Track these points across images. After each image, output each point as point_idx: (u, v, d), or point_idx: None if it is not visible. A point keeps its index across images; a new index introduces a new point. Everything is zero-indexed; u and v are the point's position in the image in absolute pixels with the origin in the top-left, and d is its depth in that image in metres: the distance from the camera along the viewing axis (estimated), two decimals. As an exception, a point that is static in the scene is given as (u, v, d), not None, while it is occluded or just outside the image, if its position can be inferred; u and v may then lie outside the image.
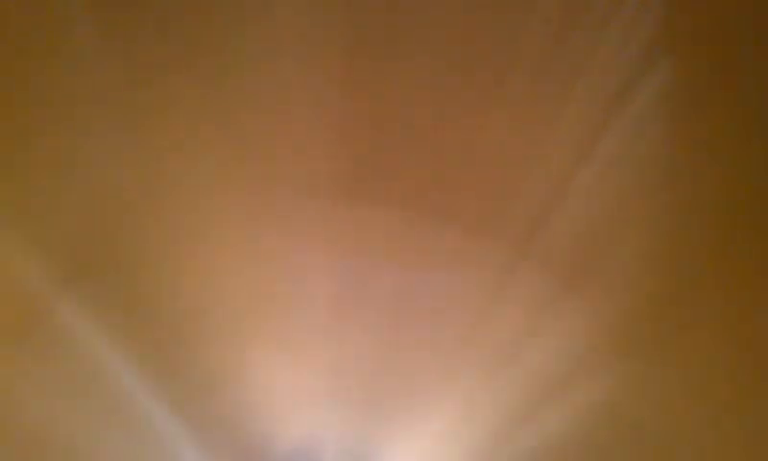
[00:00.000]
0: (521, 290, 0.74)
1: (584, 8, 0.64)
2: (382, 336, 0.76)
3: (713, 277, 0.72)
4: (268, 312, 0.76)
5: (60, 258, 0.72)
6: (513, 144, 0.70)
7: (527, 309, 0.74)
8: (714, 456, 0.74)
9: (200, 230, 0.74)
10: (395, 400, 0.78)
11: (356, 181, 0.73)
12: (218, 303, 0.75)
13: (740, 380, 0.74)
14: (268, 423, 0.78)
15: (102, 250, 0.73)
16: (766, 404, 0.73)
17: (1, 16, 0.64)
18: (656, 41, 0.64)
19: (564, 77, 0.67)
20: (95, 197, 0.72)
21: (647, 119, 0.67)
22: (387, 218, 0.73)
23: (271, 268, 0.75)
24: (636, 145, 0.69)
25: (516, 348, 0.75)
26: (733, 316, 0.73)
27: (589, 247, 0.73)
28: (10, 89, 0.67)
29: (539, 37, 0.65)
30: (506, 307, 0.74)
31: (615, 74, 0.66)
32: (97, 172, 0.71)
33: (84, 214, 0.72)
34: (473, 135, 0.70)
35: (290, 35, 0.67)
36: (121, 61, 0.67)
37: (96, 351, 0.73)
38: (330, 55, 0.68)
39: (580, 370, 0.75)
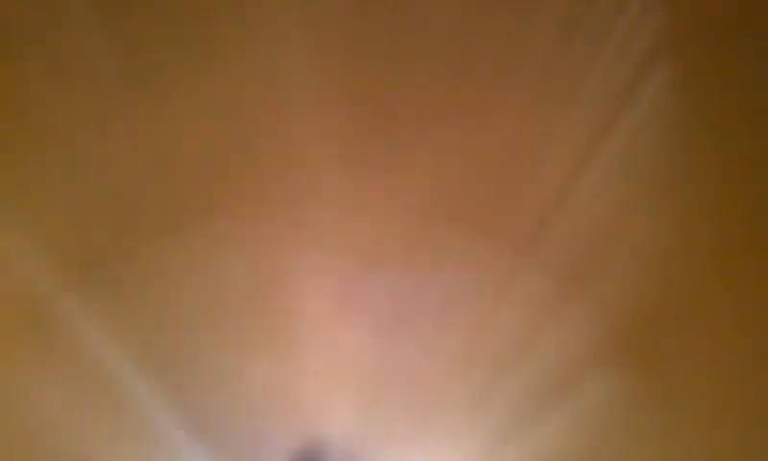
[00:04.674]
0: (524, 292, 0.74)
1: (587, 10, 0.64)
2: (383, 337, 0.76)
3: (715, 278, 0.73)
4: (268, 312, 0.76)
5: (61, 258, 0.72)
6: (516, 145, 0.70)
7: (529, 311, 0.74)
8: (716, 457, 0.74)
9: (200, 230, 0.74)
10: (395, 401, 0.78)
11: (357, 182, 0.73)
12: (219, 303, 0.75)
13: (742, 382, 0.74)
14: (268, 423, 0.78)
15: (103, 250, 0.73)
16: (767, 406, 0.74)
17: (2, 17, 0.63)
18: (659, 43, 0.65)
19: (567, 79, 0.67)
20: (96, 197, 0.71)
21: (650, 120, 0.67)
22: (388, 219, 0.73)
23: (272, 268, 0.75)
24: (638, 146, 0.69)
25: (518, 349, 0.75)
26: (735, 318, 0.73)
27: (593, 248, 0.73)
28: (10, 89, 0.67)
29: (542, 39, 0.65)
30: (508, 309, 0.74)
31: (618, 76, 0.66)
32: (98, 172, 0.71)
33: (86, 214, 0.72)
34: (476, 137, 0.70)
35: (291, 36, 0.67)
36: (122, 60, 0.67)
37: (97, 350, 0.73)
38: (332, 55, 0.68)
39: (582, 371, 0.75)
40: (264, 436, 0.79)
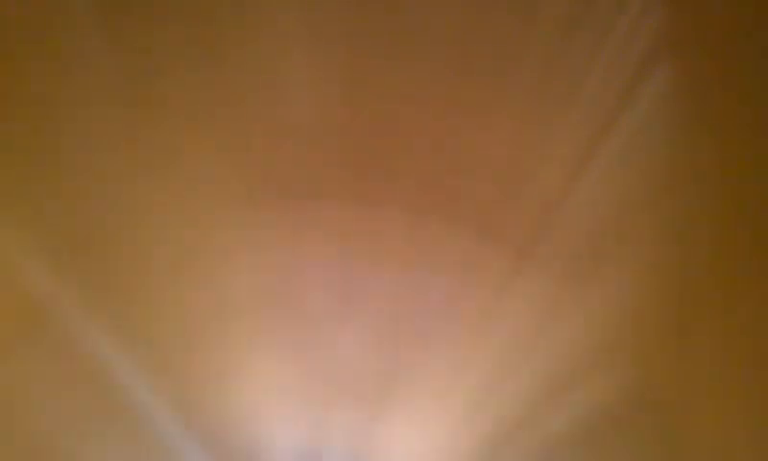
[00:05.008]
0: (524, 292, 0.74)
1: (587, 10, 0.64)
2: (384, 338, 0.76)
3: (715, 279, 0.73)
4: (269, 312, 0.76)
5: (61, 258, 0.72)
6: (516, 146, 0.70)
7: (530, 311, 0.74)
8: (715, 457, 0.74)
9: (200, 230, 0.74)
10: (396, 401, 0.78)
11: (358, 183, 0.73)
12: (219, 303, 0.75)
13: (742, 382, 0.74)
14: (268, 423, 0.78)
15: (103, 250, 0.73)
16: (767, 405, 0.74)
17: (2, 17, 0.63)
18: (659, 43, 0.64)
19: (567, 79, 0.67)
20: (97, 198, 0.71)
21: (650, 120, 0.67)
22: (389, 220, 0.73)
23: (272, 269, 0.75)
24: (638, 146, 0.69)
25: (518, 350, 0.75)
26: (735, 318, 0.73)
27: (593, 249, 0.73)
28: (10, 89, 0.67)
29: (542, 39, 0.65)
30: (508, 309, 0.74)
31: (618, 76, 0.66)
32: (98, 173, 0.71)
33: (86, 215, 0.72)
34: (476, 137, 0.70)
35: (291, 36, 0.67)
36: (122, 60, 0.67)
37: (97, 351, 0.73)
38: (333, 55, 0.68)
39: (582, 371, 0.75)
40: (264, 436, 0.79)
